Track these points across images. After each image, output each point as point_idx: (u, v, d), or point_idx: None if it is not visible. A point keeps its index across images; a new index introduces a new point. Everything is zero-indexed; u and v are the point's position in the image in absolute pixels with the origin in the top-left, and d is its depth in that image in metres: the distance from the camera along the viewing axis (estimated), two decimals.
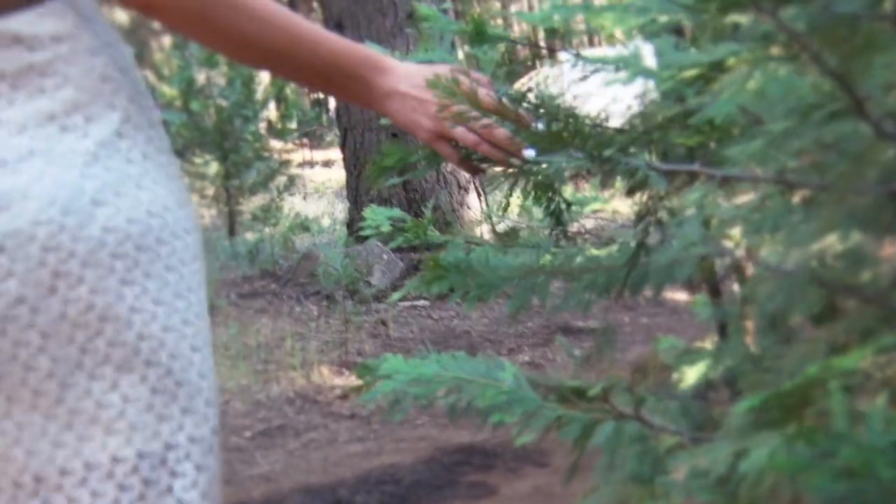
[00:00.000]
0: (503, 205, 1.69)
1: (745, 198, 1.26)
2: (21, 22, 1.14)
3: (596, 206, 1.75)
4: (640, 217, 1.37)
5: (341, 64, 1.32)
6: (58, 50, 1.16)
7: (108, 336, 1.13)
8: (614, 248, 1.45)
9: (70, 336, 1.11)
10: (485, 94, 1.34)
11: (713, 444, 0.76)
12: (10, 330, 1.09)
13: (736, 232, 1.35)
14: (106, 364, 1.12)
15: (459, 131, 1.35)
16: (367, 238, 6.37)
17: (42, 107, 1.14)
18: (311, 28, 1.34)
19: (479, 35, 1.74)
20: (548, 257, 1.42)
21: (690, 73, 1.29)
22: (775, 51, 0.85)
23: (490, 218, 6.94)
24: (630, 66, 1.47)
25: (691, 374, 1.40)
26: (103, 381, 1.12)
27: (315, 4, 27.02)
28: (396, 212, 1.90)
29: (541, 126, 1.32)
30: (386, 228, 1.86)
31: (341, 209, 10.90)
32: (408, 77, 1.38)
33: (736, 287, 1.46)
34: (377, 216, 1.89)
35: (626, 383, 1.35)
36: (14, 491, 1.11)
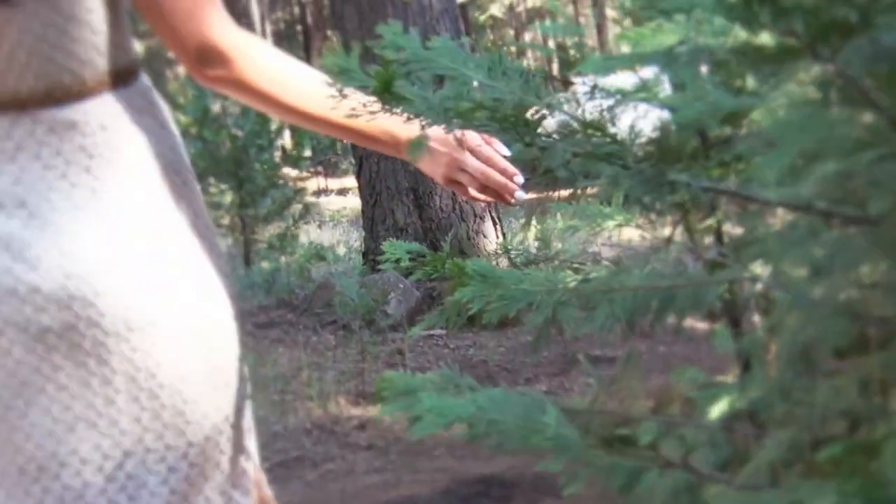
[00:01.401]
0: (523, 231, 1.68)
1: (773, 223, 1.23)
2: (76, 111, 1.41)
3: (619, 219, 1.72)
4: (669, 239, 1.35)
5: (375, 122, 1.39)
6: (104, 136, 1.43)
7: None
8: (638, 270, 1.42)
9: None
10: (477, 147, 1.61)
11: (762, 495, 0.73)
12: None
13: (762, 258, 1.33)
14: (108, 385, 1.42)
15: (465, 178, 1.63)
16: (382, 266, 6.34)
17: (86, 183, 1.41)
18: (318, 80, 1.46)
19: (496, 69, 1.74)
20: (572, 276, 1.40)
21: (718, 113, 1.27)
22: (815, 92, 0.83)
23: (507, 250, 6.93)
24: (649, 97, 1.44)
25: (716, 407, 1.37)
26: (103, 397, 1.42)
27: (329, 32, 27.17)
28: (415, 245, 1.89)
29: (520, 194, 1.62)
30: (405, 262, 1.85)
31: (356, 237, 10.90)
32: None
33: (759, 317, 1.44)
34: (396, 249, 1.90)
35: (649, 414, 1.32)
36: (18, 477, 1.41)
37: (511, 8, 36.39)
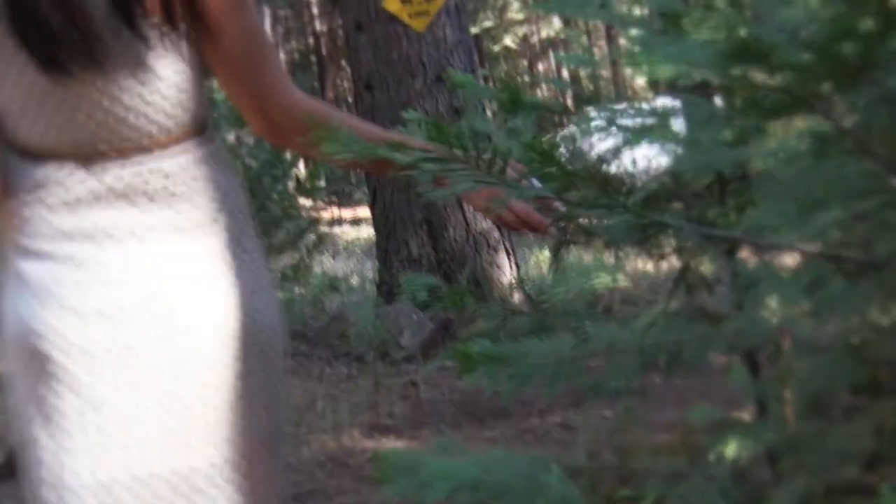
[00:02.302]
0: (550, 270, 1.69)
1: (783, 268, 1.24)
2: (165, 159, 1.67)
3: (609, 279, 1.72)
4: (676, 285, 1.35)
5: None
6: (186, 180, 1.69)
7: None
8: (647, 321, 1.42)
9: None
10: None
11: None
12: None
13: (773, 302, 1.33)
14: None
15: (505, 213, 1.77)
16: (397, 297, 6.34)
17: (170, 219, 1.68)
18: (392, 134, 1.61)
19: (514, 104, 1.74)
20: (583, 341, 1.40)
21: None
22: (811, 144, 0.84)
23: (522, 284, 6.93)
24: (661, 134, 1.45)
25: (729, 451, 1.37)
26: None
27: (343, 63, 27.27)
28: (432, 280, 1.90)
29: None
30: (422, 296, 1.86)
31: (370, 268, 10.90)
32: None
33: (775, 359, 1.44)
34: (413, 284, 1.91)
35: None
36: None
37: (525, 39, 36.50)
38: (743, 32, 1.00)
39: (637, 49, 1.14)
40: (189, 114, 1.69)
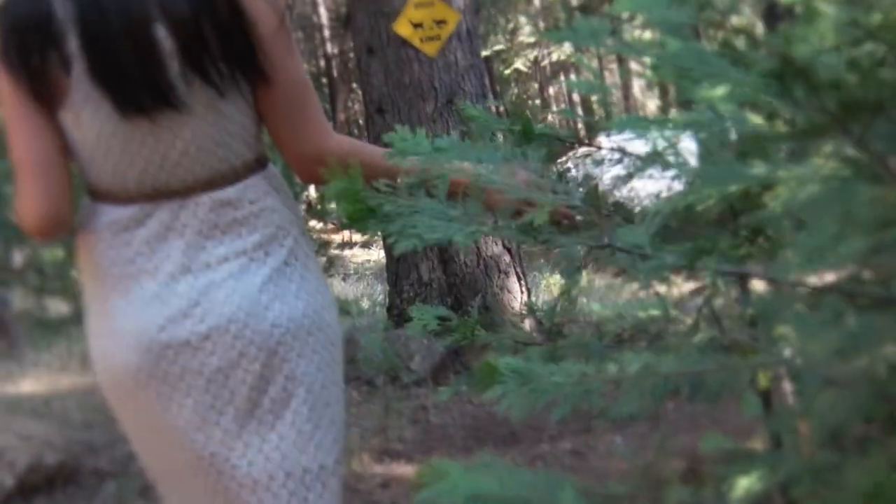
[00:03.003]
0: (562, 297, 1.68)
1: (801, 301, 1.23)
2: (230, 192, 1.86)
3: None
4: (697, 320, 1.35)
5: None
6: (252, 209, 1.87)
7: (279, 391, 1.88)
8: (670, 352, 1.42)
9: (246, 396, 1.87)
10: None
11: None
12: (212, 387, 1.84)
13: (790, 336, 1.32)
14: (286, 408, 1.88)
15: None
16: (407, 321, 6.33)
17: (239, 246, 1.86)
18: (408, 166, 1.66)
19: (526, 135, 1.76)
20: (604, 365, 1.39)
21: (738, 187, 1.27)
22: (842, 169, 0.83)
23: (534, 311, 6.91)
24: (675, 167, 1.44)
25: (742, 484, 1.36)
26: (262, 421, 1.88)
27: (354, 85, 27.33)
28: (443, 310, 1.89)
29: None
30: (433, 327, 1.86)
31: (381, 290, 10.89)
32: None
33: (789, 393, 1.43)
34: (424, 315, 1.90)
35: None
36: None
37: (536, 62, 36.57)
38: (763, 67, 0.99)
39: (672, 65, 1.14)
40: (251, 150, 1.90)
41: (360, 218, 1.36)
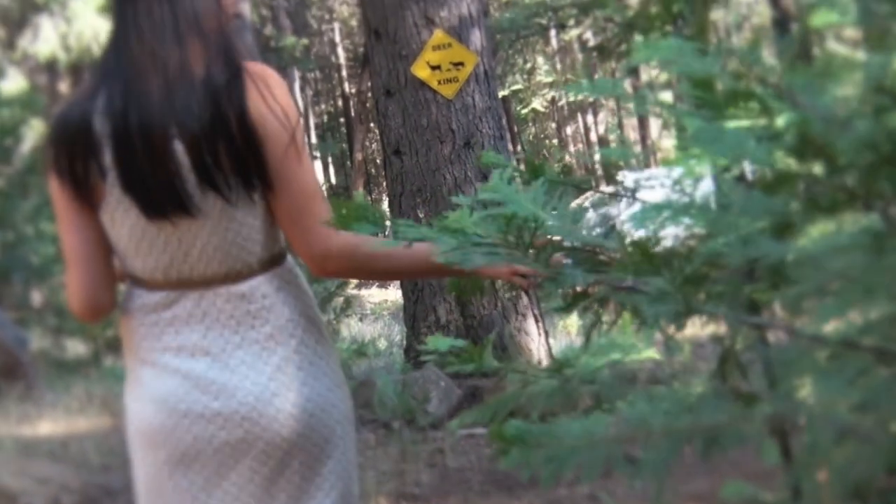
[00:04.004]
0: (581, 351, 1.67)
1: (820, 353, 1.21)
2: (244, 287, 2.09)
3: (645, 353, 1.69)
4: (718, 370, 1.33)
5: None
6: (264, 303, 2.10)
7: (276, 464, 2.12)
8: (684, 402, 1.40)
9: (249, 464, 2.08)
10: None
11: None
12: (217, 457, 2.07)
13: (808, 388, 1.30)
14: (273, 485, 2.10)
15: (521, 280, 2.05)
16: (424, 363, 6.29)
17: (252, 336, 2.09)
18: (425, 247, 1.79)
19: (536, 178, 1.78)
20: (616, 422, 1.37)
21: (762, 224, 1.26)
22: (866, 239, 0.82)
23: (550, 350, 6.91)
24: (693, 213, 1.43)
25: None
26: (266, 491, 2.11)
27: (372, 125, 27.44)
28: (459, 341, 1.90)
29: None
30: (444, 347, 1.89)
31: (398, 331, 10.88)
32: None
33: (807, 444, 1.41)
34: (439, 343, 1.93)
35: None
36: None
37: (553, 102, 36.68)
38: (784, 119, 0.98)
39: (682, 132, 1.13)
40: (265, 249, 2.12)
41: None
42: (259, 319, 2.11)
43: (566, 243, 1.57)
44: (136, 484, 2.22)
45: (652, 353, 1.52)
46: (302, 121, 2.11)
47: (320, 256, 2.12)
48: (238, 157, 2.01)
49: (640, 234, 1.52)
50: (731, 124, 1.03)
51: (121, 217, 2.07)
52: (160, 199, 2.02)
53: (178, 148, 2.00)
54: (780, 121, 0.95)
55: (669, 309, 1.15)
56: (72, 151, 2.06)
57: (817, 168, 0.89)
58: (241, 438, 2.07)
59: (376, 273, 2.32)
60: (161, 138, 2.00)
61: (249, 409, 2.07)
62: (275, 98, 2.05)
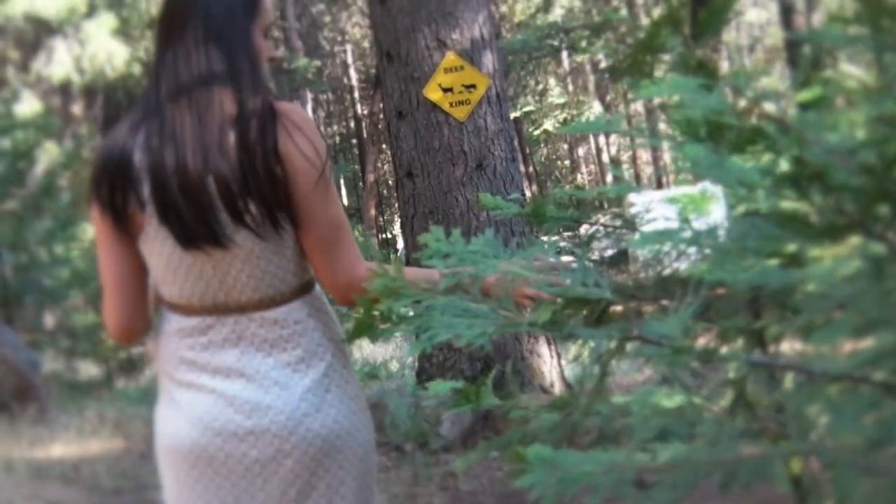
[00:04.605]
0: (594, 392, 1.66)
1: (829, 388, 1.21)
2: (277, 313, 2.21)
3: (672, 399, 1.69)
4: (732, 409, 1.33)
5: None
6: (296, 328, 2.22)
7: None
8: (704, 439, 1.39)
9: (280, 482, 2.18)
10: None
11: None
12: (248, 475, 2.18)
13: (822, 424, 1.29)
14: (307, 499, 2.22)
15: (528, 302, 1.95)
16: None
17: (284, 359, 2.20)
18: (432, 273, 1.89)
19: (538, 216, 1.79)
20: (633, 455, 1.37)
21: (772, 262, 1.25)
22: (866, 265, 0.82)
23: (563, 375, 6.88)
24: (704, 245, 1.43)
25: None
26: None
27: (384, 146, 27.48)
28: (459, 383, 1.92)
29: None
30: (444, 391, 1.91)
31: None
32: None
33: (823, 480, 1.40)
34: (440, 388, 1.98)
35: None
36: None
37: (565, 123, 36.70)
38: (790, 157, 0.98)
39: (687, 165, 1.13)
40: (296, 277, 2.23)
41: (363, 332, 1.44)
42: (291, 343, 2.22)
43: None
44: (166, 503, 2.32)
45: (664, 399, 1.51)
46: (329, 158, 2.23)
47: (344, 287, 2.21)
48: (266, 195, 2.12)
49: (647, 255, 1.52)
50: (737, 159, 1.03)
51: (159, 246, 2.20)
52: (194, 232, 2.14)
53: (211, 183, 2.11)
54: (785, 160, 0.94)
55: (679, 357, 1.14)
56: (112, 184, 2.19)
57: (815, 195, 0.89)
58: (271, 457, 2.18)
59: None
60: (195, 174, 2.11)
61: (280, 426, 2.17)
62: (304, 136, 2.16)
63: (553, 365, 6.96)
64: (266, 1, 2.31)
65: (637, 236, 1.45)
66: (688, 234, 1.34)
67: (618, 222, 1.78)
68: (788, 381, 1.20)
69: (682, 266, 1.56)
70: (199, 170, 2.11)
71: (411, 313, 1.59)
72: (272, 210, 2.13)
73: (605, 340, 1.32)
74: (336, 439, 2.21)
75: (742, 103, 1.03)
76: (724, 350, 1.19)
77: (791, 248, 1.19)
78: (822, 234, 0.99)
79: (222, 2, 2.24)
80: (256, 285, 2.20)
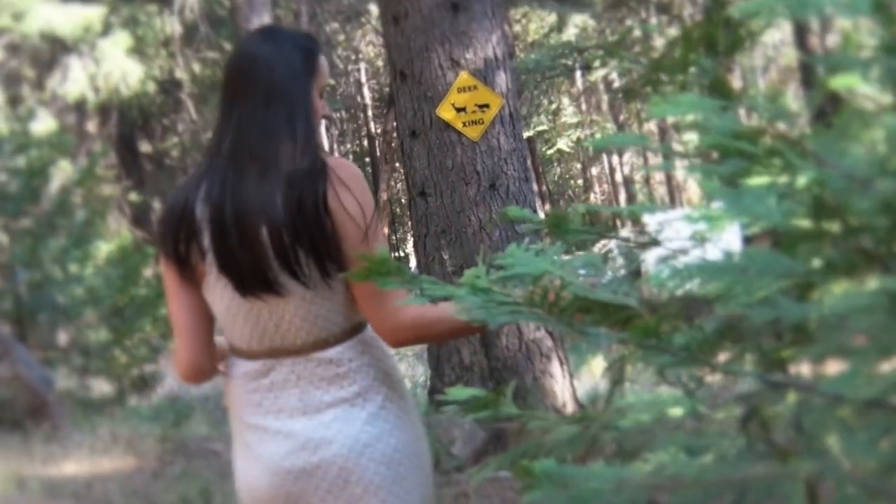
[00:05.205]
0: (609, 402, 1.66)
1: (844, 411, 1.20)
2: (331, 353, 2.38)
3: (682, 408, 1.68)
4: (743, 427, 1.32)
5: None
6: (350, 366, 2.38)
7: None
8: (714, 456, 1.39)
9: None
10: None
11: None
12: None
13: (836, 447, 1.29)
14: None
15: None
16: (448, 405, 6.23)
17: (341, 395, 2.37)
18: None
19: (560, 229, 1.79)
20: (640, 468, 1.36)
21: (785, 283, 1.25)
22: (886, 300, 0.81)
23: (576, 395, 6.86)
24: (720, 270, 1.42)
25: None
26: None
27: (398, 165, 27.50)
28: (477, 391, 1.90)
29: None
30: (464, 397, 1.89)
31: (422, 371, 10.84)
32: None
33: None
34: (460, 394, 1.94)
35: None
36: None
37: (578, 142, 36.70)
38: (806, 178, 0.97)
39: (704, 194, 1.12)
40: (347, 320, 2.39)
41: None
42: (347, 380, 2.38)
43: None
44: None
45: (678, 410, 1.51)
46: (376, 211, 2.39)
47: (391, 330, 2.38)
48: (315, 246, 2.29)
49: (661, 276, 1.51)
50: (753, 181, 1.02)
51: (219, 293, 2.38)
52: (250, 280, 2.32)
53: (265, 234, 2.28)
54: (802, 179, 0.94)
55: (692, 370, 1.14)
56: (176, 234, 2.38)
57: (835, 228, 0.88)
58: (340, 487, 2.35)
59: (442, 335, 2.93)
60: (251, 226, 2.29)
61: (344, 459, 2.34)
62: (349, 192, 2.31)
63: (565, 385, 6.94)
64: (323, 63, 2.48)
65: (654, 267, 1.45)
66: (705, 265, 1.34)
67: (643, 238, 1.77)
68: (794, 398, 1.19)
69: (696, 284, 1.56)
70: (255, 222, 2.28)
71: None
72: (321, 260, 2.29)
73: (617, 343, 1.31)
74: (398, 466, 2.37)
75: (757, 123, 1.03)
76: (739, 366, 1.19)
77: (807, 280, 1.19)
78: (840, 271, 0.99)
79: (286, 64, 2.40)
80: (309, 329, 2.36)
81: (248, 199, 2.30)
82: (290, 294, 2.32)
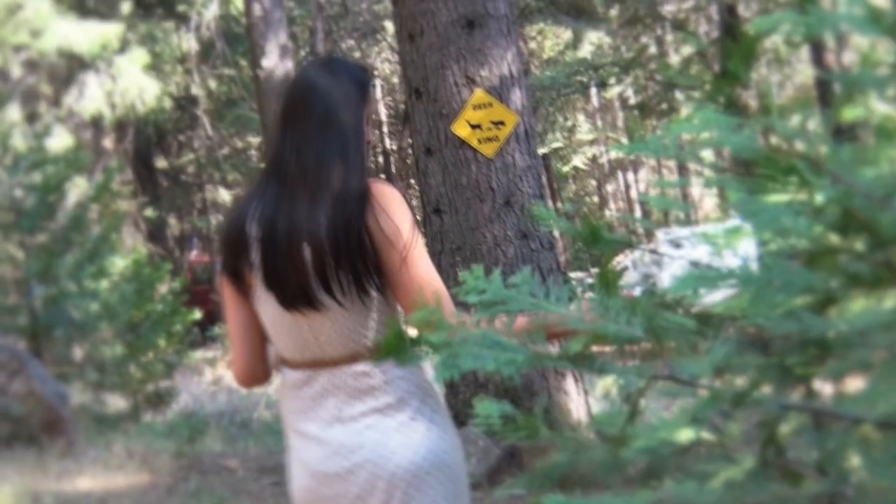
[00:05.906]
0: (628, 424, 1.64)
1: (865, 432, 1.19)
2: (366, 366, 2.50)
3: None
4: (762, 451, 1.31)
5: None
6: (383, 378, 2.51)
7: None
8: (727, 480, 1.37)
9: None
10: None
11: None
12: None
13: (856, 468, 1.27)
14: None
15: None
16: (463, 423, 6.24)
17: (374, 405, 2.50)
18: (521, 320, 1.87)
19: (594, 239, 1.79)
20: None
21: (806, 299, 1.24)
22: None
23: (592, 416, 6.83)
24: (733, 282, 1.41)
25: None
26: None
27: (413, 182, 27.52)
28: (507, 407, 1.88)
29: None
30: (496, 423, 1.86)
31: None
32: None
33: None
34: (488, 409, 1.91)
35: None
36: None
37: (594, 159, 36.70)
38: (825, 195, 0.97)
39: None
40: (379, 335, 2.50)
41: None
42: (380, 391, 2.51)
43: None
44: None
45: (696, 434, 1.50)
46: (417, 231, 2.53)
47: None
48: (354, 265, 2.45)
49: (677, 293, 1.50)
50: (772, 197, 1.01)
51: (265, 306, 2.56)
52: (293, 295, 2.48)
53: (308, 253, 2.45)
54: (820, 196, 0.93)
55: (710, 399, 1.13)
56: (230, 249, 2.60)
57: (859, 244, 0.87)
58: (368, 491, 2.48)
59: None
60: (297, 245, 2.46)
61: (374, 464, 2.47)
62: (387, 215, 2.46)
63: (580, 402, 6.92)
64: (374, 92, 2.68)
65: (669, 277, 1.44)
66: (722, 276, 1.33)
67: (676, 250, 1.76)
68: (811, 419, 1.18)
69: (713, 300, 1.55)
70: (301, 241, 2.45)
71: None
72: (359, 280, 2.45)
73: (634, 378, 1.31)
74: (426, 475, 2.48)
75: (773, 141, 1.02)
76: (756, 391, 1.18)
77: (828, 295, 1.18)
78: (865, 286, 0.98)
79: (341, 93, 2.57)
80: (345, 343, 2.51)
81: (297, 220, 2.46)
82: (328, 310, 2.48)
